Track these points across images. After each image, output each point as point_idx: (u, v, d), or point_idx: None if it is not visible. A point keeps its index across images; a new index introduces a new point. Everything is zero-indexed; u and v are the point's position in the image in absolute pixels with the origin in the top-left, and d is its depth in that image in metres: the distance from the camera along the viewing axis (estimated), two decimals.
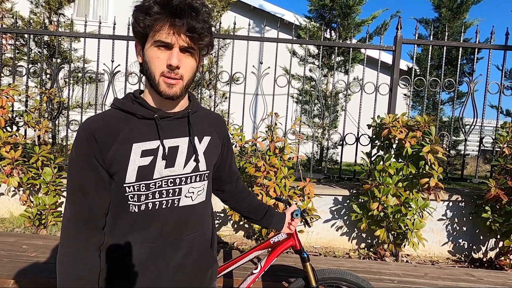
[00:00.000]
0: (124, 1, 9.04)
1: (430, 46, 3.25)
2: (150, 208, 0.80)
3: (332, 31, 4.45)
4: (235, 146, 2.74)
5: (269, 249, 1.64)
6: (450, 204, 2.93)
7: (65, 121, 3.50)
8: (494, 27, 3.23)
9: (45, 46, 4.34)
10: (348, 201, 2.89)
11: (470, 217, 2.90)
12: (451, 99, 5.16)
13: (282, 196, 2.54)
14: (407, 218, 2.52)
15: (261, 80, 3.11)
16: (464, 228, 2.93)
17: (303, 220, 1.49)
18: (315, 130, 3.45)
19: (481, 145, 3.20)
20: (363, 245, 2.94)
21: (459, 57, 3.17)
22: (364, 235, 2.94)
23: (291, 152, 2.64)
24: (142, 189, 0.79)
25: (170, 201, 0.82)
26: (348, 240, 2.95)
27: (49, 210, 2.70)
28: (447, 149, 3.33)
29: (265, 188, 2.53)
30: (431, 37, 3.21)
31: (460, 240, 2.94)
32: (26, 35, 4.20)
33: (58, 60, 3.35)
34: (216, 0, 4.29)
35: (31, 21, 3.50)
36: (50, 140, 3.31)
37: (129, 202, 0.79)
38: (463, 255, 2.92)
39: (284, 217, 1.26)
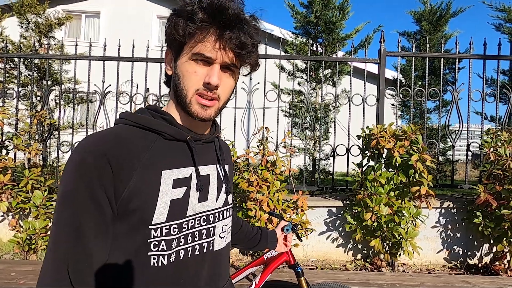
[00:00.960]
0: (115, 22, 9.23)
1: (413, 57, 3.37)
2: (181, 258, 0.62)
3: (319, 46, 4.60)
4: None
5: (264, 265, 1.63)
6: (443, 211, 2.96)
7: (56, 142, 3.48)
8: (472, 38, 3.38)
9: (36, 69, 4.37)
10: (342, 212, 2.90)
11: (463, 223, 2.93)
12: (437, 108, 5.31)
13: (275, 210, 2.54)
14: (401, 227, 2.53)
15: (251, 95, 3.17)
16: (458, 235, 2.95)
17: (295, 234, 1.49)
18: (307, 143, 3.49)
19: (469, 151, 3.27)
20: (359, 256, 2.93)
21: (442, 67, 3.29)
22: (360, 246, 2.93)
23: (282, 165, 2.66)
24: (174, 231, 0.60)
25: (205, 244, 0.66)
26: (344, 251, 2.94)
27: (39, 235, 2.64)
28: (436, 156, 3.40)
29: (258, 202, 2.53)
30: (414, 49, 3.34)
31: (455, 247, 2.95)
32: (16, 59, 4.22)
33: (49, 82, 3.36)
34: None
35: (21, 45, 3.54)
36: (41, 163, 3.28)
37: (150, 253, 0.58)
38: (458, 262, 2.93)
39: (276, 234, 1.22)
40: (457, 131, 3.28)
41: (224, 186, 0.72)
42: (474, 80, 3.26)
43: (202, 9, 0.59)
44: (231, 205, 0.76)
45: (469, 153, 3.28)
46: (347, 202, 2.91)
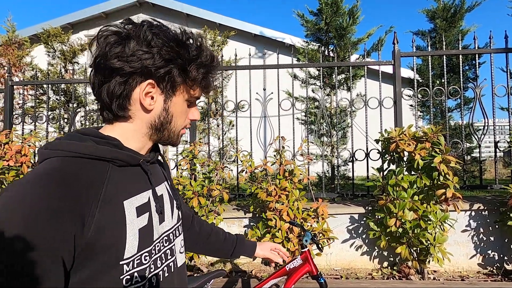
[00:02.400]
0: None
1: (430, 56, 3.29)
2: (154, 284, 0.62)
3: (330, 52, 4.59)
4: (245, 172, 2.78)
5: (286, 276, 1.63)
6: (473, 213, 2.81)
7: None
8: (491, 31, 3.27)
9: (62, 93, 4.66)
10: (364, 218, 2.83)
11: (496, 226, 2.77)
12: (458, 106, 5.11)
13: (295, 219, 2.52)
14: (428, 232, 2.43)
15: (266, 105, 3.20)
16: (492, 238, 2.79)
17: (315, 244, 1.48)
18: (324, 149, 3.46)
19: (497, 148, 3.12)
20: (385, 263, 2.84)
21: (461, 64, 3.19)
22: (385, 253, 2.84)
23: (300, 174, 2.65)
24: (145, 260, 0.59)
25: (171, 264, 0.68)
26: (369, 259, 2.86)
27: None
28: (462, 156, 3.26)
29: (278, 212, 2.53)
30: (429, 47, 3.26)
31: (489, 251, 2.79)
32: (45, 85, 4.52)
33: (75, 105, 3.57)
34: (216, 36, 4.55)
35: (49, 72, 3.79)
36: None
37: None
38: (494, 267, 2.76)
39: (255, 246, 1.13)
40: (483, 129, 3.14)
41: (174, 202, 0.74)
42: (497, 74, 3.13)
43: (207, 62, 0.64)
44: (181, 220, 0.79)
45: (498, 150, 3.13)
46: (369, 208, 2.84)
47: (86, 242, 0.50)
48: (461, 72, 3.20)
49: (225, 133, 4.68)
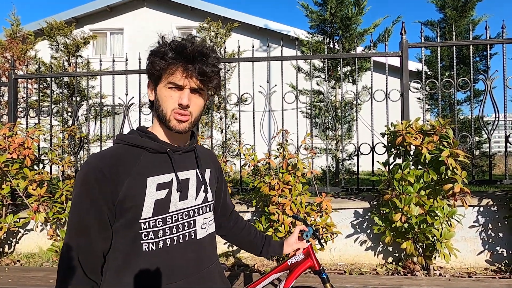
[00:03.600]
0: (137, 36, 9.65)
1: (439, 47, 3.19)
2: (168, 245, 0.78)
3: (336, 43, 4.48)
4: (248, 166, 2.74)
5: (288, 270, 1.60)
6: (481, 209, 2.74)
7: (86, 154, 3.67)
8: (504, 21, 3.15)
9: (66, 86, 4.66)
10: (369, 213, 2.78)
11: (506, 222, 2.70)
12: (468, 98, 4.97)
13: (299, 214, 2.48)
14: (434, 228, 2.38)
15: (269, 98, 3.15)
16: (501, 234, 2.72)
17: (317, 240, 1.44)
18: (328, 143, 3.40)
19: (508, 143, 3.02)
20: (390, 259, 2.79)
21: (471, 55, 3.07)
22: (390, 249, 2.79)
23: (304, 167, 2.60)
24: (159, 224, 0.77)
25: (187, 234, 0.82)
26: (374, 255, 2.82)
27: None
28: (471, 150, 3.18)
29: (281, 206, 2.49)
30: (438, 38, 3.15)
31: (498, 248, 2.72)
32: (48, 79, 4.53)
33: (78, 98, 3.56)
34: (219, 28, 4.48)
35: (52, 65, 3.78)
36: (74, 174, 3.46)
37: (142, 241, 0.76)
38: (503, 264, 2.69)
39: (282, 244, 1.20)
40: (493, 123, 3.04)
41: (203, 186, 0.88)
42: (509, 66, 3.01)
43: (171, 49, 0.77)
44: (212, 202, 0.92)
45: (509, 145, 3.03)
46: (374, 203, 2.78)
47: (118, 200, 0.74)
48: (471, 63, 3.10)
49: (228, 126, 4.64)
